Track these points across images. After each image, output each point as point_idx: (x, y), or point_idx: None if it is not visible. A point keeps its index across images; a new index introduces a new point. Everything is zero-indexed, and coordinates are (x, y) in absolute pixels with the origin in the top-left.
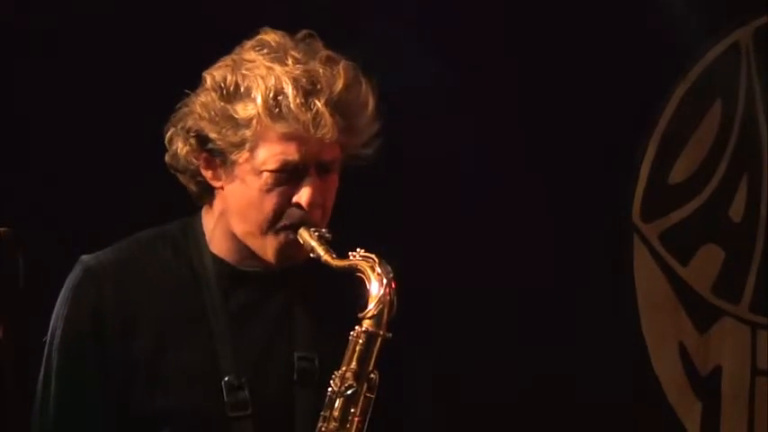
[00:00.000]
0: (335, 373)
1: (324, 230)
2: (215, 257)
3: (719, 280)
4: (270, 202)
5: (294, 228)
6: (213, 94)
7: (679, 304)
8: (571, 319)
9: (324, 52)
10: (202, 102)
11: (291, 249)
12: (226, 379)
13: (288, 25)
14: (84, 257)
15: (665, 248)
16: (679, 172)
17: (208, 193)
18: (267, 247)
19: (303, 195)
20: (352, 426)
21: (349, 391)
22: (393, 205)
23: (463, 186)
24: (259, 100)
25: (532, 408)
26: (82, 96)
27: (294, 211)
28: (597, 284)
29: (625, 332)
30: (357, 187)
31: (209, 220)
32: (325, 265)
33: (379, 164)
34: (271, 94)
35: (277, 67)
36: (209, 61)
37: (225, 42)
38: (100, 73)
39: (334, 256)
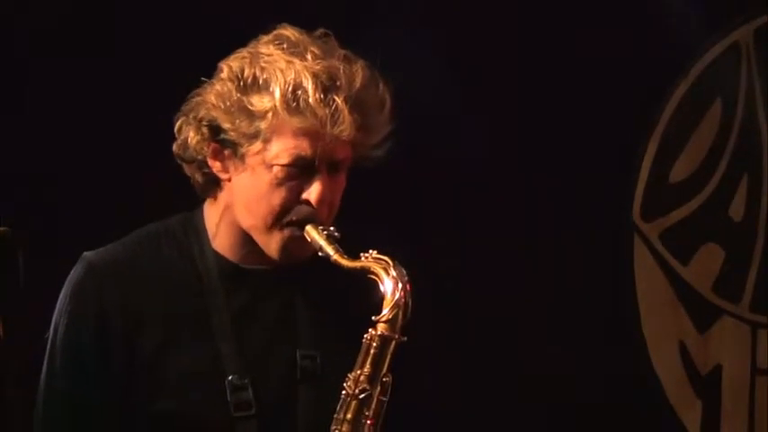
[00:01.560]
0: (349, 375)
1: (332, 229)
2: (217, 255)
3: (720, 279)
4: (278, 197)
5: (300, 224)
6: (230, 84)
7: (679, 303)
8: (571, 319)
9: (341, 51)
10: (218, 91)
11: (295, 245)
12: (229, 378)
13: (293, 24)
14: (87, 254)
15: (666, 247)
16: (679, 171)
17: (213, 185)
18: (271, 243)
19: (313, 192)
20: (364, 428)
21: (363, 395)
22: (393, 205)
23: (463, 186)
24: (277, 93)
25: (533, 407)
26: (81, 95)
27: (302, 208)
28: (597, 284)
29: (625, 331)
30: (362, 187)
31: (213, 214)
32: (327, 263)
33: (382, 164)
34: (290, 88)
35: (297, 62)
36: (210, 60)
37: (226, 42)
38: (99, 71)
39: (344, 255)
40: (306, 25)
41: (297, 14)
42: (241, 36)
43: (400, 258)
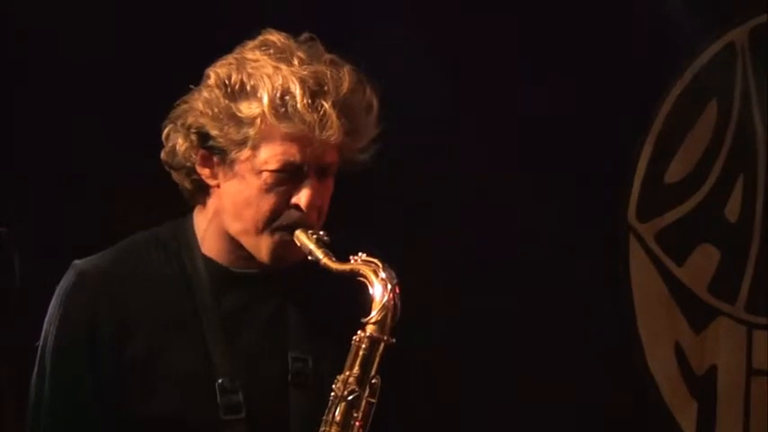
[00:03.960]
0: (338, 377)
1: (322, 233)
2: (207, 259)
3: (715, 280)
4: (268, 202)
5: (290, 229)
6: (217, 91)
7: (675, 304)
8: (567, 319)
9: (327, 55)
10: (205, 99)
11: (285, 250)
12: (219, 382)
13: (284, 27)
14: (77, 262)
15: (661, 248)
16: (675, 172)
17: (202, 192)
18: (261, 247)
19: (302, 197)
20: (353, 430)
21: (351, 396)
22: (391, 205)
23: (461, 186)
24: (265, 99)
25: (529, 408)
26: (80, 97)
27: (291, 213)
28: (593, 284)
29: (621, 332)
30: (354, 190)
31: (202, 221)
32: (318, 267)
33: (376, 165)
34: (278, 94)
35: (284, 68)
36: (198, 67)
37: (213, 49)
38: (98, 74)
39: (333, 259)
40: (291, 29)
41: (282, 18)
42: (227, 42)
43: (394, 260)
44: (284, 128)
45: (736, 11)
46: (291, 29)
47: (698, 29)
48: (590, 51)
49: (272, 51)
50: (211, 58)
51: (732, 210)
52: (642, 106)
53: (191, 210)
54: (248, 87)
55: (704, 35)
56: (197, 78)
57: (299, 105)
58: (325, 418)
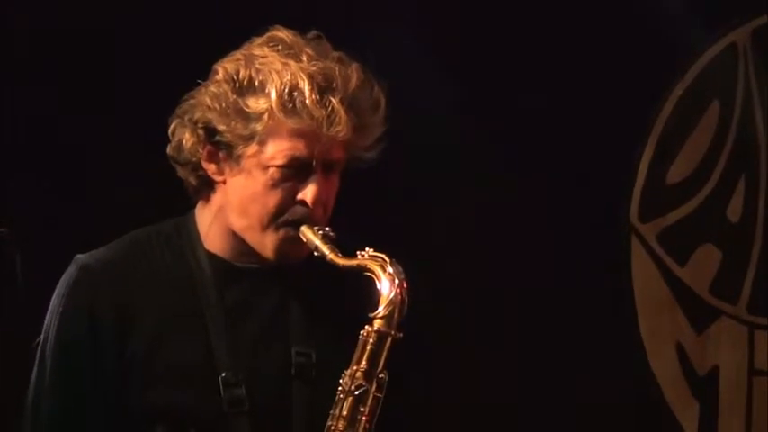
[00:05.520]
0: (345, 371)
1: (327, 229)
2: (210, 254)
3: (717, 280)
4: (274, 198)
5: (296, 224)
6: (225, 86)
7: (676, 304)
8: (569, 319)
9: (335, 53)
10: (213, 93)
11: (291, 246)
12: (222, 375)
13: (287, 26)
14: (80, 256)
15: (663, 248)
16: (677, 172)
17: (207, 188)
18: (266, 243)
19: (309, 193)
20: (360, 425)
21: (358, 391)
22: (392, 205)
23: (462, 186)
24: (273, 95)
25: (531, 407)
26: (80, 97)
27: (297, 208)
28: (595, 284)
29: (623, 332)
30: (359, 187)
31: (206, 217)
32: (322, 262)
33: (380, 164)
34: (286, 90)
35: (292, 63)
36: (204, 63)
37: (219, 45)
38: (99, 73)
39: (339, 255)
40: (296, 26)
41: (288, 16)
42: (233, 39)
43: (398, 256)
44: (292, 123)
45: (738, 11)
46: (294, 28)
47: (699, 29)
48: (591, 52)
49: (280, 47)
50: (217, 55)
51: (734, 210)
52: (644, 107)
53: (192, 207)
54: (256, 83)
55: (706, 36)
56: (202, 75)
57: (307, 101)
58: (332, 412)
